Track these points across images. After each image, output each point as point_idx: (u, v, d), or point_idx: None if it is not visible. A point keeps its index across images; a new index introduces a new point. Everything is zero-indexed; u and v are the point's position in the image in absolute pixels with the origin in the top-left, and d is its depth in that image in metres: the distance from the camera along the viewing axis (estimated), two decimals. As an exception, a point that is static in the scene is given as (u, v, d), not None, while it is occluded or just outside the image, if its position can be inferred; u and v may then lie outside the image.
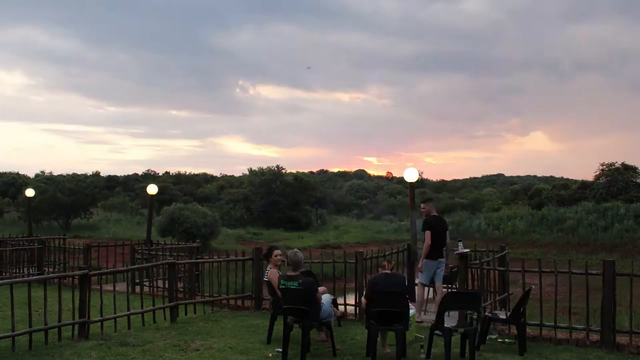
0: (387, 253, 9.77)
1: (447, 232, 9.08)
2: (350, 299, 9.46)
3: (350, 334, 7.80)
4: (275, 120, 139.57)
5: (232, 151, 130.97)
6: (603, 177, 44.45)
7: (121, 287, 9.62)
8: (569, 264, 7.39)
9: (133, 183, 61.58)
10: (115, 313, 8.04)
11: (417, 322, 7.98)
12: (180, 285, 10.14)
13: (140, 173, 70.33)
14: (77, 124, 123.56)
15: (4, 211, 40.61)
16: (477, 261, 8.42)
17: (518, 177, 79.23)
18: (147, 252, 12.47)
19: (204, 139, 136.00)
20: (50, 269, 13.99)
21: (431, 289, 9.60)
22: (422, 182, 67.47)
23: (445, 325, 6.39)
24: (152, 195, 14.51)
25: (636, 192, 40.88)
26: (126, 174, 70.00)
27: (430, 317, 8.15)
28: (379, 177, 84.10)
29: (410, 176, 9.87)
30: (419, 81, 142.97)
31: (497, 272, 8.80)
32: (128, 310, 8.21)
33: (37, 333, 7.06)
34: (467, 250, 8.80)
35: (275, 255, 7.94)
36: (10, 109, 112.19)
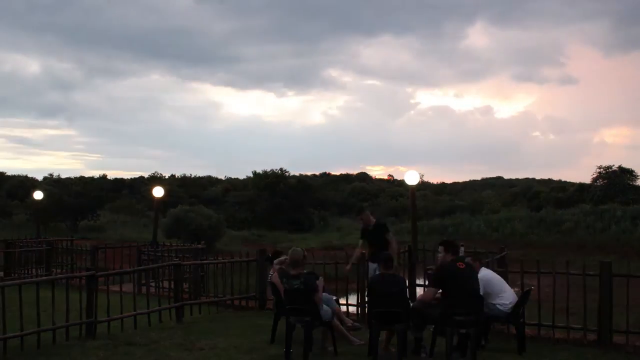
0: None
1: (387, 233, 8.80)
2: (352, 300, 9.56)
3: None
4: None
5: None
6: (600, 180, 44.50)
7: (128, 287, 9.71)
8: (567, 265, 7.50)
9: (139, 186, 61.74)
10: (121, 313, 8.13)
11: None
12: (185, 285, 10.26)
13: (146, 176, 70.53)
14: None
15: (12, 213, 40.91)
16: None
17: (517, 179, 78.94)
18: (153, 253, 12.62)
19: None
20: (58, 270, 14.10)
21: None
22: (423, 185, 67.47)
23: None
24: (158, 198, 14.69)
25: (633, 195, 40.89)
26: (132, 177, 70.26)
27: None
28: (381, 180, 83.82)
29: (411, 179, 9.98)
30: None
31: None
32: (134, 310, 8.30)
33: (45, 333, 7.13)
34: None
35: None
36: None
